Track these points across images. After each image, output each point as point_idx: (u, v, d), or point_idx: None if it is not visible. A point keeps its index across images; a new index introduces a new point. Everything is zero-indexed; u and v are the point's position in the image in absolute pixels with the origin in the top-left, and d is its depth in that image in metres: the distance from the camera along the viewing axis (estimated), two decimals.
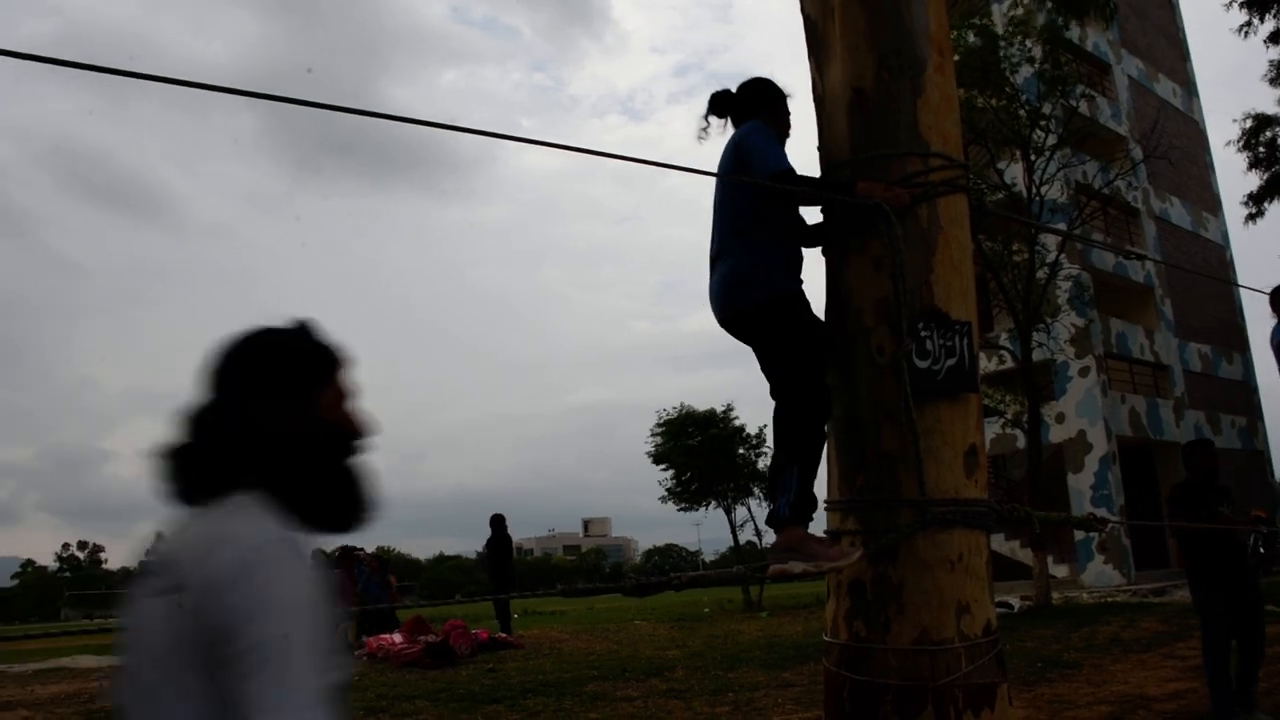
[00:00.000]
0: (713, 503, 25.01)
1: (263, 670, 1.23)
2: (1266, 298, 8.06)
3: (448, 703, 9.81)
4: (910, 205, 3.24)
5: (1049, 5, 18.09)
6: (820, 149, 3.63)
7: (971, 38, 19.17)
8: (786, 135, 3.76)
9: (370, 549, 27.31)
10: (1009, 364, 21.83)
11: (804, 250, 3.61)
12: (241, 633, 1.24)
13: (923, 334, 3.17)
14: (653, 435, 25.34)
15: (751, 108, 3.74)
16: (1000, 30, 19.26)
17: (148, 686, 1.32)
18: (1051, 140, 19.40)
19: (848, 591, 3.22)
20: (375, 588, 17.31)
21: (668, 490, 25.47)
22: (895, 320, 3.17)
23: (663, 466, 25.15)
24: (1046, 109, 19.43)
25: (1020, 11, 19.12)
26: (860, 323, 3.29)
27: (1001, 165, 20.25)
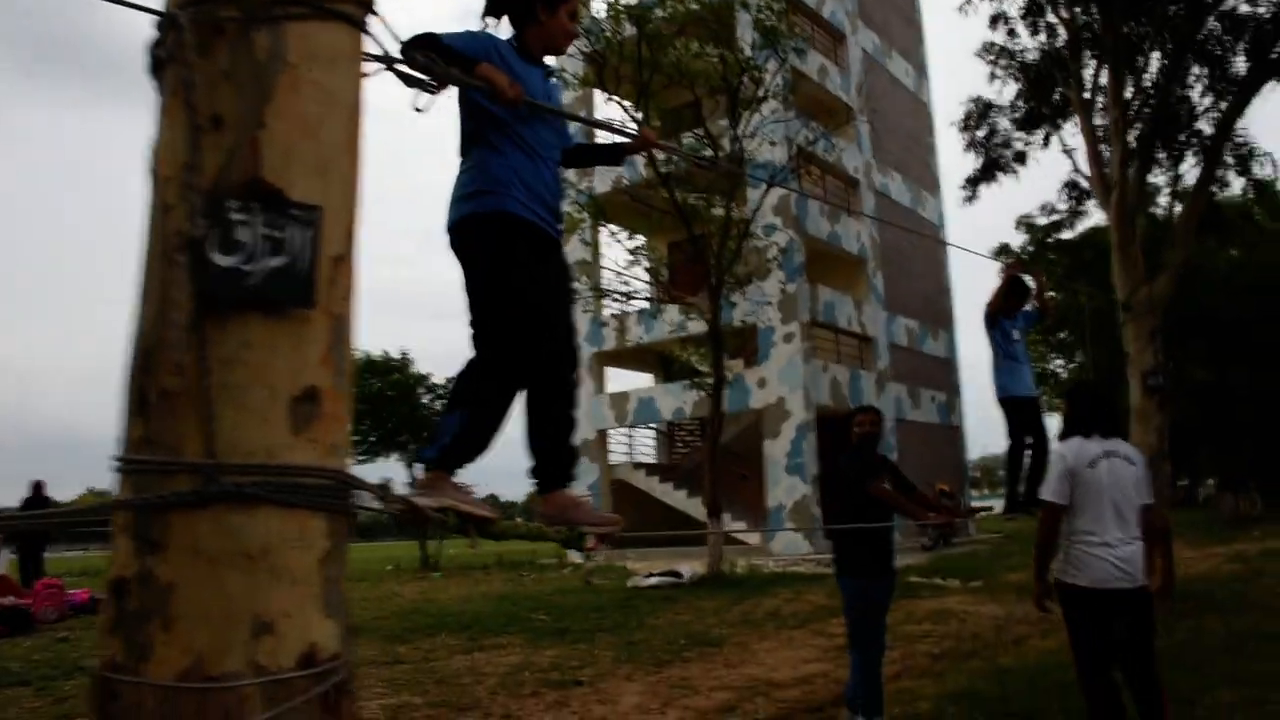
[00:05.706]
0: (395, 455, 23.72)
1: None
2: (976, 272, 7.55)
3: None
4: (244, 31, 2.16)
5: None
6: None
7: None
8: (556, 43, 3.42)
9: None
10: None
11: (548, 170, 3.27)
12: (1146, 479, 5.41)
13: (234, 216, 2.08)
14: None
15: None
16: None
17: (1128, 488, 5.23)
18: (760, 93, 18.99)
19: (111, 594, 2.12)
20: None
21: None
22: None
23: None
24: (763, 61, 19.03)
25: None
26: (161, 198, 2.17)
27: (723, 122, 19.80)
